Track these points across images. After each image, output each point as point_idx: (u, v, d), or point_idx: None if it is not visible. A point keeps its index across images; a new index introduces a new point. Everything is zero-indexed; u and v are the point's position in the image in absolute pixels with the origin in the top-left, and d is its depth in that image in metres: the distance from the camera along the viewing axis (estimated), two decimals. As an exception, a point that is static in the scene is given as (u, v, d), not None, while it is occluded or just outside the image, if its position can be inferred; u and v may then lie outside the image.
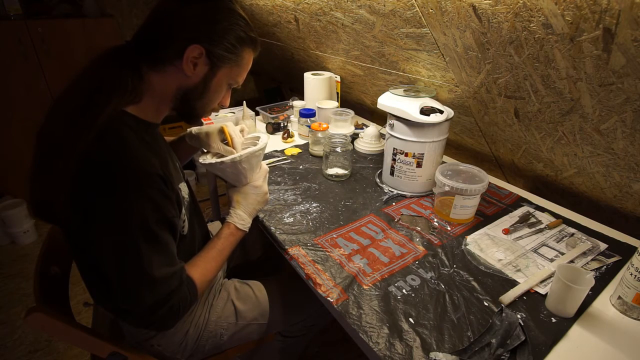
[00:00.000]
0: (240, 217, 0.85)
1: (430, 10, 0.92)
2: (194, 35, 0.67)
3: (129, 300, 0.64)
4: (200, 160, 0.87)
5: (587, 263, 0.86)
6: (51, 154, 0.62)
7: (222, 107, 0.81)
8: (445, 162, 1.09)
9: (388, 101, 1.06)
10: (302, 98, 1.66)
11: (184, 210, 0.74)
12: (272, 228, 0.95)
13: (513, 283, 0.79)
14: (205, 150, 0.91)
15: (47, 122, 0.64)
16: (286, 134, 1.47)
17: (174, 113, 0.76)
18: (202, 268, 0.76)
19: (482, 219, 1.01)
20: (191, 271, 0.73)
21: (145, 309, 0.65)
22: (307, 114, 1.45)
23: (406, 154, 1.06)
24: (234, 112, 1.62)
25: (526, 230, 0.96)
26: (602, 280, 0.81)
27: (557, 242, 0.92)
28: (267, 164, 1.08)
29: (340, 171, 1.20)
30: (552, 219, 1.01)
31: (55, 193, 0.61)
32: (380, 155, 1.34)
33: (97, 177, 0.59)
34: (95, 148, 0.59)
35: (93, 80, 0.65)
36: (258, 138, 0.93)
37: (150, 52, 0.68)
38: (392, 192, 1.14)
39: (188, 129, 0.95)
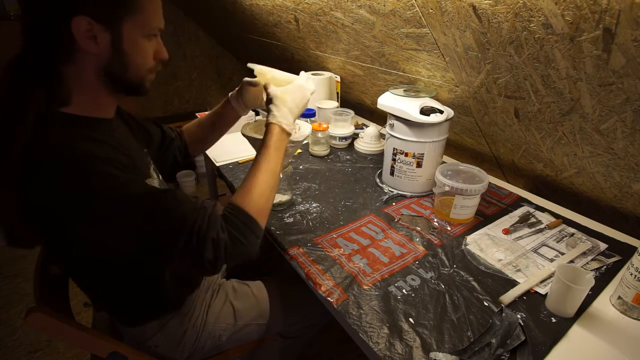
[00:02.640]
0: (285, 117, 0.73)
1: (430, 10, 0.92)
2: (70, 6, 0.56)
3: (172, 244, 0.60)
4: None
5: (587, 263, 0.86)
6: None
7: (163, 61, 0.70)
8: (445, 162, 1.09)
9: (388, 101, 1.06)
10: (302, 98, 1.66)
11: None
12: (272, 228, 0.95)
13: (513, 283, 0.79)
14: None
15: None
16: (286, 134, 1.47)
17: (143, 100, 0.70)
18: (245, 188, 0.69)
19: (482, 219, 1.01)
20: (236, 198, 0.67)
21: (193, 241, 0.60)
22: (307, 114, 1.45)
23: (406, 154, 1.06)
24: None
25: (526, 230, 0.96)
26: (602, 280, 0.81)
27: (557, 242, 0.92)
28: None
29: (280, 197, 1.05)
30: (552, 219, 1.01)
31: (10, 219, 0.57)
32: (380, 155, 1.34)
33: (61, 183, 0.54)
34: (39, 157, 0.54)
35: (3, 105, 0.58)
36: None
37: (47, 48, 0.59)
38: (392, 192, 1.14)
39: (244, 79, 0.87)
